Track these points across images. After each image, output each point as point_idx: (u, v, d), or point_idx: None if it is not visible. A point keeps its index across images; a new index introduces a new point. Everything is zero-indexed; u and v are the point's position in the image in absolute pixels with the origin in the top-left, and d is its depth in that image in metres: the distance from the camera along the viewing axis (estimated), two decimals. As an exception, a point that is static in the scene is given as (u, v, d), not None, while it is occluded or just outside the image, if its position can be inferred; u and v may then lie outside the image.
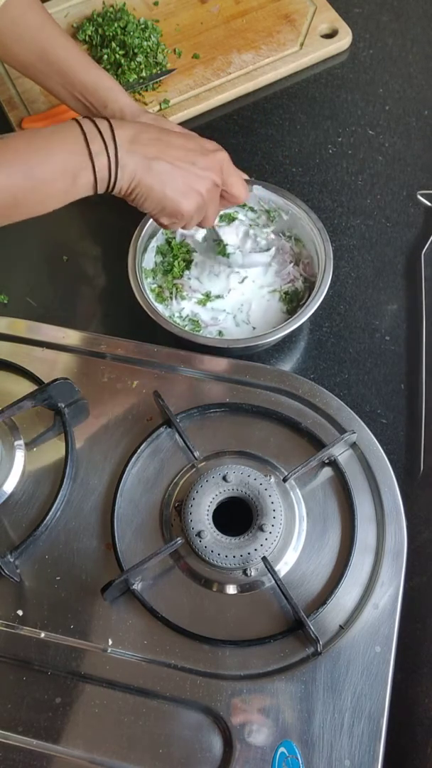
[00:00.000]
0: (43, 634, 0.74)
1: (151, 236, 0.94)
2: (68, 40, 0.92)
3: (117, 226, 1.08)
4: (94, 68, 0.91)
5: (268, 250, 0.94)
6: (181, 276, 0.94)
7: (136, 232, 0.91)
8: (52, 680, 0.72)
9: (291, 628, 0.73)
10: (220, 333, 0.92)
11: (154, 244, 0.94)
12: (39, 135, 0.73)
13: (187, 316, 0.93)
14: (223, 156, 0.82)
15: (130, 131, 0.75)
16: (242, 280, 0.93)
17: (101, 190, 0.75)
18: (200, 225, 0.85)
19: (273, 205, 0.96)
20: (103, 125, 0.73)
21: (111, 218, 1.09)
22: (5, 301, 0.99)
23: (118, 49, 1.12)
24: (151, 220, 0.92)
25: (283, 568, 0.76)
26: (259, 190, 0.95)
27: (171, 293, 0.93)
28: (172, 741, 0.69)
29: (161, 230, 0.95)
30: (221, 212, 0.93)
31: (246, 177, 0.89)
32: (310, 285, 0.93)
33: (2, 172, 0.69)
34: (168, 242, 0.96)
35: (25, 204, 0.72)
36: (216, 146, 0.83)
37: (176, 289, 0.93)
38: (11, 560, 0.77)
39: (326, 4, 1.19)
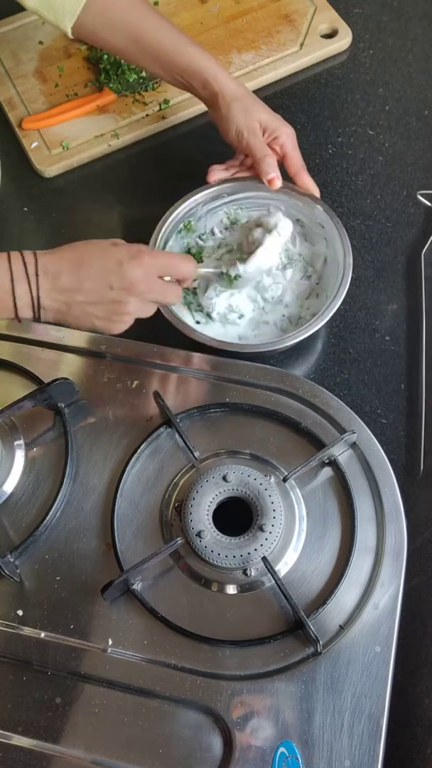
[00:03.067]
0: (43, 634, 0.74)
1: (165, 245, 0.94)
2: (161, 21, 0.93)
3: (119, 228, 1.08)
4: (189, 48, 0.93)
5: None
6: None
7: (150, 243, 0.91)
8: (52, 680, 0.72)
9: (291, 628, 0.73)
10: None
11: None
12: None
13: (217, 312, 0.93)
14: (141, 262, 0.77)
15: (52, 273, 0.75)
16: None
17: (25, 316, 0.77)
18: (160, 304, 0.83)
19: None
20: (30, 267, 0.75)
21: (113, 220, 1.09)
22: (5, 301, 0.99)
23: (118, 49, 1.12)
24: (163, 229, 0.92)
25: (283, 568, 0.76)
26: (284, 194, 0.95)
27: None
28: (172, 741, 0.69)
29: (174, 241, 0.95)
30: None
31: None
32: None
33: None
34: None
35: None
36: (133, 252, 0.78)
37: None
38: (11, 560, 0.77)
39: (326, 4, 1.19)
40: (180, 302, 0.90)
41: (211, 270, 0.90)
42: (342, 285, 0.87)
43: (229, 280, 0.89)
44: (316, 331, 0.86)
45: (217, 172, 0.96)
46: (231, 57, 1.15)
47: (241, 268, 0.89)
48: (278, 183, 0.93)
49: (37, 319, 0.77)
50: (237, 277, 0.89)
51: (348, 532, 0.77)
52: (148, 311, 0.82)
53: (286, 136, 0.94)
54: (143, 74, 1.12)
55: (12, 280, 0.74)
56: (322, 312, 0.86)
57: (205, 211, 0.97)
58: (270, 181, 0.92)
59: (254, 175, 0.95)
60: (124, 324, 0.81)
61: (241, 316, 0.92)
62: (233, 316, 0.92)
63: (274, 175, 0.92)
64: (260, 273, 0.91)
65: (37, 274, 0.75)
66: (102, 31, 0.94)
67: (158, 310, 0.85)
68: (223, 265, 0.90)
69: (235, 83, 0.94)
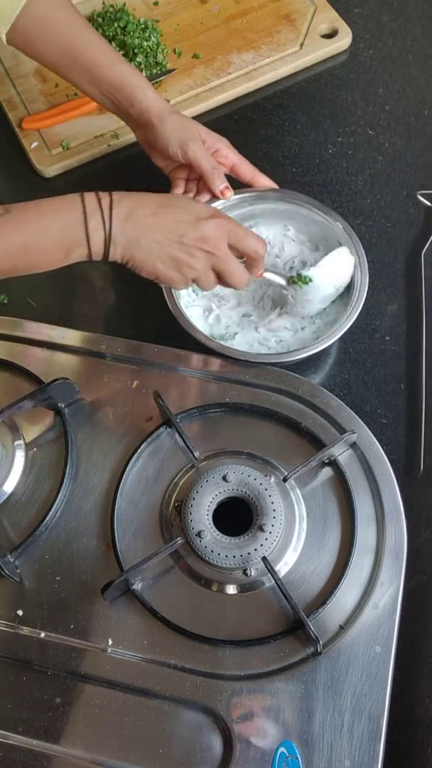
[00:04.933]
0: (43, 634, 0.74)
1: None
2: (95, 36, 0.92)
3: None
4: (121, 65, 0.91)
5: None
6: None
7: None
8: (52, 680, 0.72)
9: (291, 628, 0.73)
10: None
11: None
12: (41, 208, 0.77)
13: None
14: (218, 222, 0.80)
15: (127, 207, 0.77)
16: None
17: (95, 259, 0.78)
18: (223, 283, 0.84)
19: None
20: (105, 201, 0.76)
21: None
22: (5, 301, 0.99)
23: (118, 49, 1.12)
24: None
25: (283, 568, 0.76)
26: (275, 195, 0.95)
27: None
28: (172, 741, 0.69)
29: None
30: None
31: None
32: None
33: (3, 243, 0.74)
34: None
35: (22, 269, 0.77)
36: (212, 211, 0.82)
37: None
38: (11, 560, 0.77)
39: (326, 4, 1.19)
40: (241, 290, 0.88)
41: (277, 275, 0.89)
42: (356, 304, 0.87)
43: (302, 281, 0.88)
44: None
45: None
46: (231, 57, 1.15)
47: (312, 271, 0.88)
48: (229, 194, 0.92)
49: (106, 256, 0.78)
50: (308, 279, 0.88)
51: (348, 532, 0.77)
52: (208, 279, 0.82)
53: (227, 146, 0.93)
54: (143, 74, 1.12)
55: (85, 212, 0.75)
56: (335, 330, 0.86)
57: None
58: (222, 193, 0.91)
59: (209, 196, 0.93)
60: (183, 280, 0.81)
61: (280, 341, 0.91)
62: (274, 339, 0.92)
63: (224, 185, 0.92)
64: (330, 284, 0.89)
65: (111, 207, 0.76)
66: (36, 39, 0.92)
67: (165, 308, 0.85)
68: (294, 270, 0.90)
69: (165, 102, 0.92)
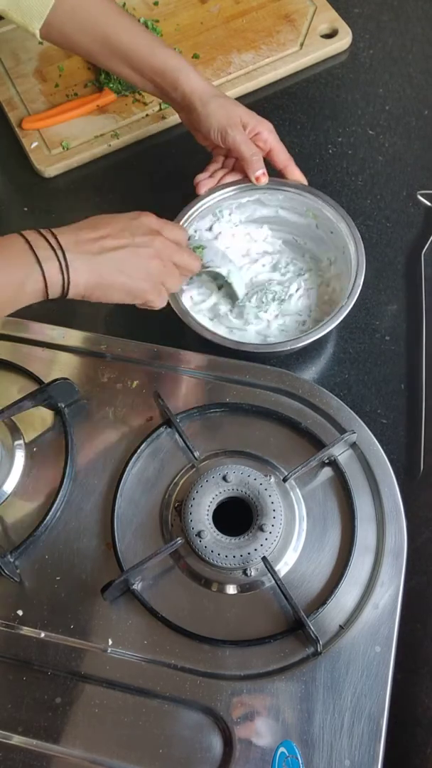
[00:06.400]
0: (43, 634, 0.74)
1: None
2: (130, 22, 0.92)
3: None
4: (160, 49, 0.91)
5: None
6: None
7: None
8: (52, 680, 0.72)
9: (291, 628, 0.73)
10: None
11: None
12: None
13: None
14: (148, 214, 0.80)
15: (70, 233, 0.74)
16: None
17: (54, 294, 0.73)
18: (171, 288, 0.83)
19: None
20: (44, 232, 0.73)
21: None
22: (5, 301, 0.99)
23: (118, 49, 1.12)
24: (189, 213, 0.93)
25: (283, 568, 0.76)
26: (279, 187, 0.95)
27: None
28: (172, 741, 0.69)
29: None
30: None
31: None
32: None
33: None
34: None
35: None
36: (135, 212, 0.80)
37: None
38: (11, 560, 0.77)
39: (326, 4, 1.19)
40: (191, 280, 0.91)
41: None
42: (352, 293, 0.86)
43: (198, 249, 0.90)
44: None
45: (205, 183, 0.94)
46: (231, 57, 1.15)
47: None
48: (264, 180, 0.92)
49: (66, 290, 0.73)
50: (202, 247, 0.90)
51: (348, 532, 0.77)
52: (173, 274, 0.81)
53: (269, 130, 0.93)
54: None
55: (29, 243, 0.71)
56: (329, 319, 0.86)
57: (235, 206, 0.97)
58: (257, 179, 0.92)
59: (242, 176, 0.94)
60: (154, 288, 0.79)
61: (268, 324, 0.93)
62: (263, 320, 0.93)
63: (261, 172, 0.92)
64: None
65: (54, 235, 0.73)
66: (71, 32, 0.91)
67: (170, 310, 0.86)
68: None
69: (208, 83, 0.92)
